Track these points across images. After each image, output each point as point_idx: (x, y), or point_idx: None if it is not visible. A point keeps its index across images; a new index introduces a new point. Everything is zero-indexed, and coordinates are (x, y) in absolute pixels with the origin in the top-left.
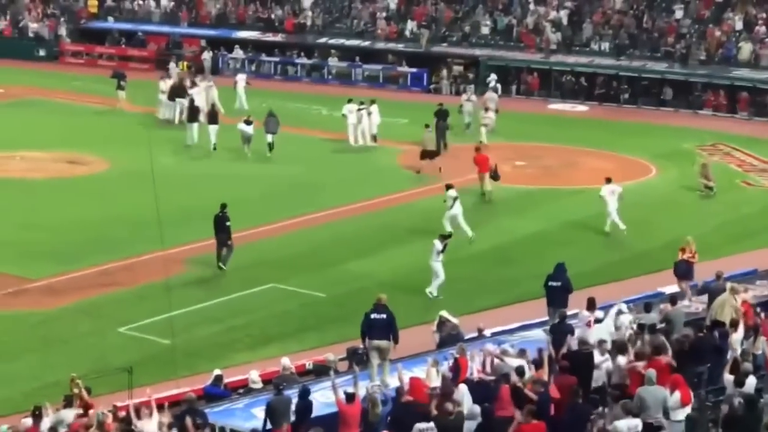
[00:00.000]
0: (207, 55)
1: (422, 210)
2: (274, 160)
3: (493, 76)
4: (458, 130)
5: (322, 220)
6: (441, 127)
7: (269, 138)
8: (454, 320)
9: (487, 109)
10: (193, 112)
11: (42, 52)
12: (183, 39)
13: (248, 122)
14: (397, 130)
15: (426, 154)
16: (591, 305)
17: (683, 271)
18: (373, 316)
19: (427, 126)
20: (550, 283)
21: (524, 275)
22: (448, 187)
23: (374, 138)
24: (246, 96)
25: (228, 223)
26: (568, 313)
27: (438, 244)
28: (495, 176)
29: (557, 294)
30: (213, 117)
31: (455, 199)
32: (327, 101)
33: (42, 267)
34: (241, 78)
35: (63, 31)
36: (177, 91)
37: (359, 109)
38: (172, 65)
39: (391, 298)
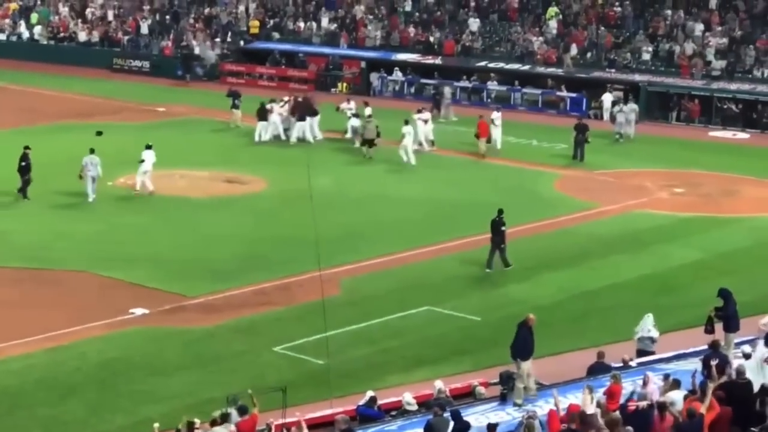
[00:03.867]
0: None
1: (583, 235)
2: (424, 180)
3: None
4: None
5: (481, 243)
6: (579, 141)
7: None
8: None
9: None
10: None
11: (202, 72)
12: (343, 60)
13: (356, 115)
14: (555, 155)
15: (366, 142)
16: None
17: None
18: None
19: (368, 116)
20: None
21: (682, 303)
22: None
23: (432, 143)
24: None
25: (503, 228)
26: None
27: None
28: (489, 140)
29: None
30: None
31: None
32: None
33: (199, 284)
34: (497, 116)
35: (223, 51)
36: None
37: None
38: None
39: (547, 323)
